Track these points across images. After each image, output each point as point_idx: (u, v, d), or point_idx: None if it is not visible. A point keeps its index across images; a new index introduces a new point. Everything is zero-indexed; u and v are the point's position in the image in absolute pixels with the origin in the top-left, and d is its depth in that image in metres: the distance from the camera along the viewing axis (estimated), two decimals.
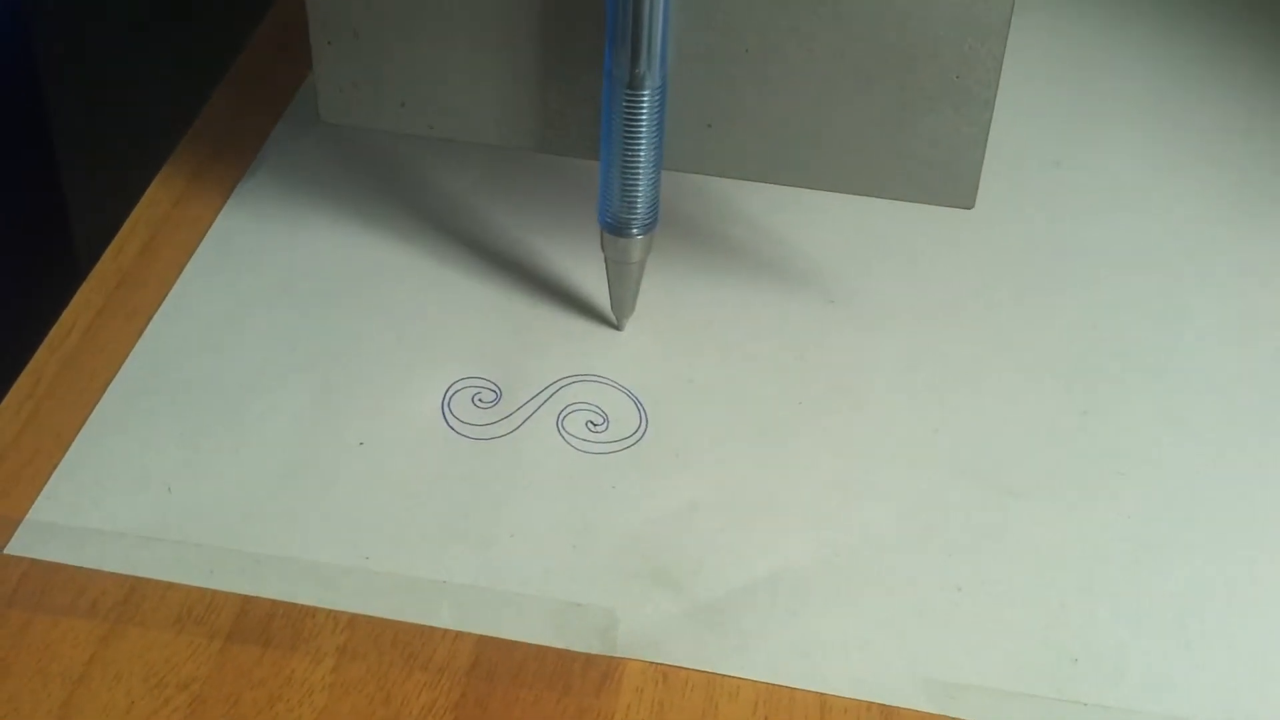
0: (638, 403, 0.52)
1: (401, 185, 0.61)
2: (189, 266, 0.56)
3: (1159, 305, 0.57)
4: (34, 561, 0.46)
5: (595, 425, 0.52)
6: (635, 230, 0.52)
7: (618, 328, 0.55)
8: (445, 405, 0.52)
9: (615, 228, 0.52)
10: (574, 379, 0.53)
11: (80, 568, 0.46)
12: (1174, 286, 0.58)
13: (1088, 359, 0.55)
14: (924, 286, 0.57)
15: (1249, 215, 0.61)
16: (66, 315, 0.54)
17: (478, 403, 0.52)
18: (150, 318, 0.54)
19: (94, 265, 0.56)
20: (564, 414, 0.52)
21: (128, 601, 0.45)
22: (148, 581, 0.46)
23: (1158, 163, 0.64)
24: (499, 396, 0.52)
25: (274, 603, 0.46)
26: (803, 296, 0.57)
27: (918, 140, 0.50)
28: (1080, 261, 0.59)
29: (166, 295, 0.55)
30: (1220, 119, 0.66)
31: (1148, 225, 0.61)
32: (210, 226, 0.58)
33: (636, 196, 0.51)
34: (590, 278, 0.56)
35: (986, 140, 0.49)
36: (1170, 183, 0.63)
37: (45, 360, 0.52)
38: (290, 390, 0.52)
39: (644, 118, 0.49)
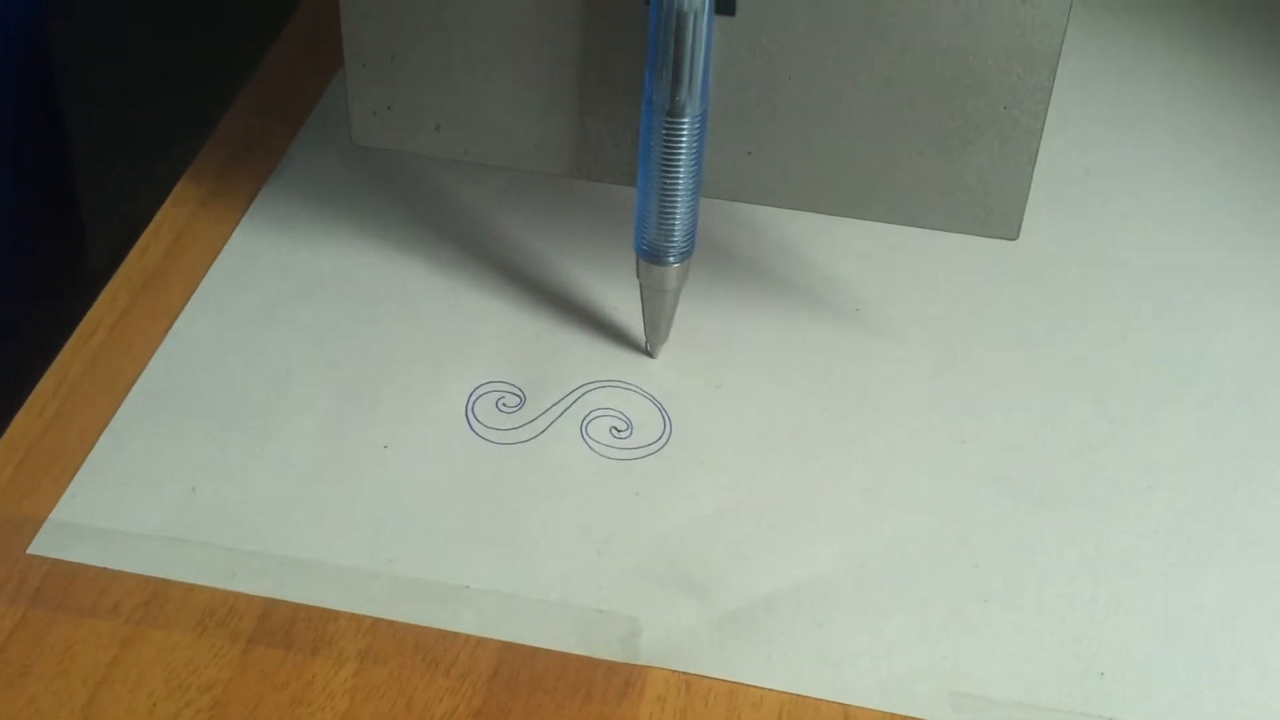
0: (661, 409, 0.52)
1: (425, 195, 0.61)
2: (213, 269, 0.56)
3: (1190, 316, 0.56)
4: (57, 562, 0.46)
5: (619, 431, 0.51)
6: (672, 258, 0.51)
7: (650, 355, 0.54)
8: (469, 410, 0.52)
9: (652, 255, 0.51)
10: (597, 384, 0.53)
11: (103, 569, 0.46)
12: (1205, 297, 0.57)
13: (1118, 370, 0.54)
14: (950, 295, 0.57)
15: None
16: (91, 314, 0.54)
17: (501, 407, 0.52)
18: (175, 319, 0.54)
19: (110, 269, 0.56)
20: (588, 419, 0.52)
21: (150, 603, 0.45)
22: (171, 583, 0.46)
23: (1189, 172, 0.63)
24: (523, 401, 0.52)
25: (296, 606, 0.45)
26: (830, 305, 0.56)
27: (962, 171, 0.49)
28: (1110, 271, 0.58)
29: (191, 297, 0.55)
30: (1254, 129, 0.65)
31: (1178, 235, 0.60)
32: (234, 230, 0.58)
33: (674, 224, 0.50)
34: (612, 290, 0.56)
35: (1033, 171, 0.49)
36: (1202, 193, 0.62)
37: (70, 360, 0.52)
38: (315, 393, 0.52)
39: (684, 145, 0.48)
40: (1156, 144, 0.64)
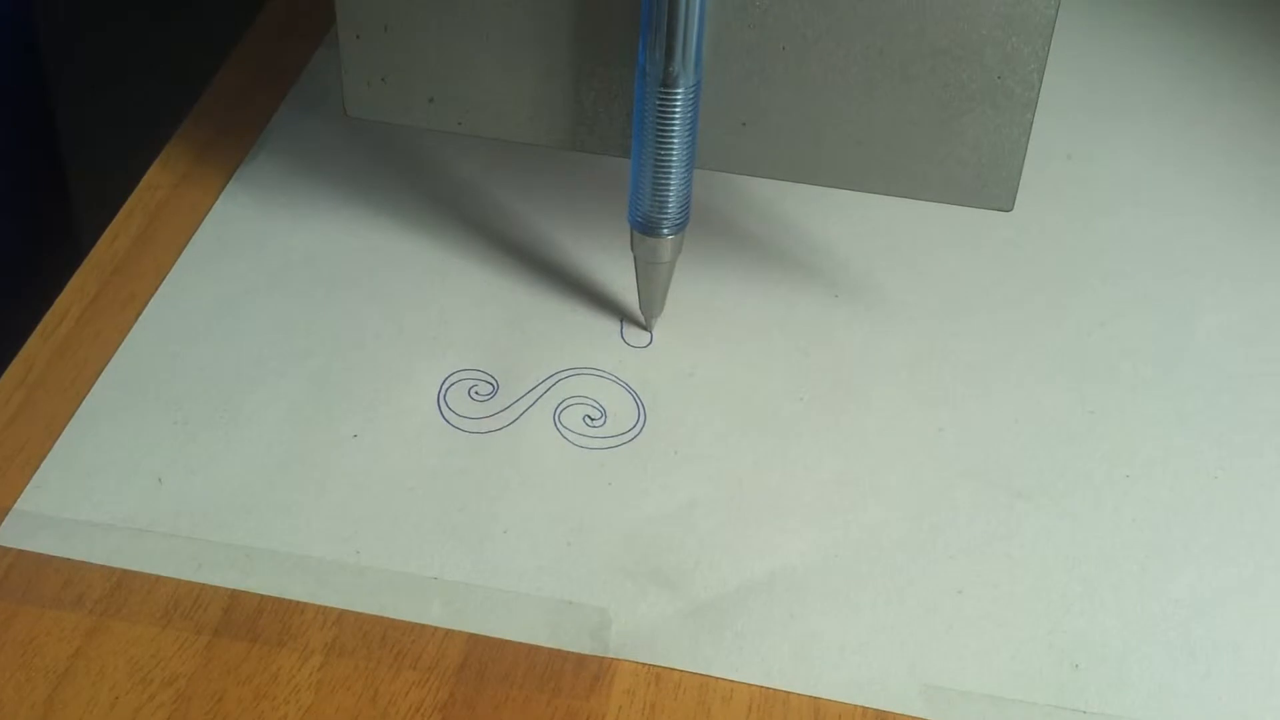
0: (636, 397, 0.52)
1: (407, 171, 0.60)
2: (186, 252, 0.56)
3: (1170, 304, 0.56)
4: (21, 552, 0.46)
5: (592, 420, 0.51)
6: (666, 230, 0.51)
7: (646, 328, 0.54)
8: (441, 398, 0.51)
9: (645, 227, 0.51)
10: (571, 372, 0.52)
11: (67, 559, 0.46)
12: (1186, 285, 0.57)
13: (1097, 358, 0.54)
14: (931, 281, 0.56)
15: (1263, 213, 0.60)
16: (60, 302, 0.53)
17: (474, 395, 0.51)
18: (145, 305, 0.54)
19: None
20: (561, 408, 0.51)
21: (114, 594, 0.45)
22: (135, 574, 0.45)
23: (1171, 158, 0.62)
24: (496, 389, 0.52)
25: (262, 598, 0.45)
26: (807, 291, 0.56)
27: (957, 141, 0.49)
28: (1091, 258, 0.58)
29: (162, 282, 0.54)
30: (1236, 115, 0.65)
31: (1160, 221, 0.59)
32: (209, 211, 0.58)
33: (668, 196, 0.50)
34: (592, 272, 0.56)
35: (1028, 142, 0.48)
36: (1184, 179, 0.61)
37: (38, 348, 0.52)
38: (285, 381, 0.51)
39: (677, 116, 0.48)
40: (1139, 129, 0.64)
